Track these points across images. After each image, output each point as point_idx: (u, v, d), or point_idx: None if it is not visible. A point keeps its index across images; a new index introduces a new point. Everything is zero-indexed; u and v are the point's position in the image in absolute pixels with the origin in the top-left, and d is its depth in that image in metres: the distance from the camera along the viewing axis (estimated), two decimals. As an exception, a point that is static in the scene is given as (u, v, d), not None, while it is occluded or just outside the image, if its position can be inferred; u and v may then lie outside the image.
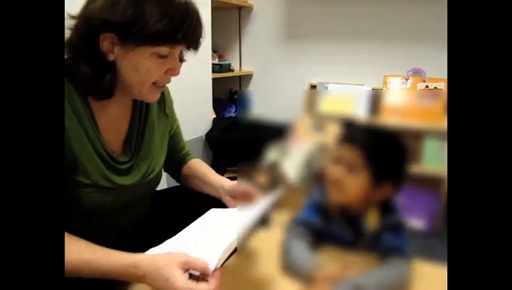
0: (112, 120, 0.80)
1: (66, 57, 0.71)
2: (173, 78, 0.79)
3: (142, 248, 0.67)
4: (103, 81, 0.71)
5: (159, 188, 0.96)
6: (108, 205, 0.78)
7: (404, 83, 2.23)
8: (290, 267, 0.74)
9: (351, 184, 0.72)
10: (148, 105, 0.87)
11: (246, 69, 2.75)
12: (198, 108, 2.09)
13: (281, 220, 0.82)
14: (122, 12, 0.66)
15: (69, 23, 0.71)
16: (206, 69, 2.15)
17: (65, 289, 0.51)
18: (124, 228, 0.87)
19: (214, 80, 2.21)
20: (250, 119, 1.19)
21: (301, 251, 0.75)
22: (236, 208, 0.85)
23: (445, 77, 2.06)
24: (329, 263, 0.71)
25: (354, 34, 2.39)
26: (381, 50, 2.33)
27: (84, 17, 0.69)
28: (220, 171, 0.77)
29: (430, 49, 2.15)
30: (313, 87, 2.45)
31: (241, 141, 0.88)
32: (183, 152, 1.04)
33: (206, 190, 0.96)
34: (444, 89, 2.12)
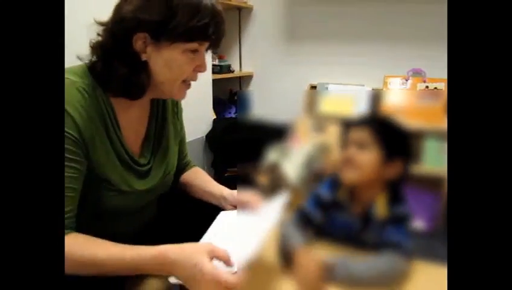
0: (132, 121, 0.82)
1: (93, 59, 0.74)
2: None
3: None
4: (139, 80, 0.74)
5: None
6: (125, 207, 0.80)
7: (404, 84, 2.23)
8: (279, 246, 0.75)
9: (363, 160, 0.75)
10: (164, 108, 0.90)
11: (246, 70, 2.75)
12: (198, 109, 2.09)
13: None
14: (158, 11, 0.69)
15: (97, 28, 0.74)
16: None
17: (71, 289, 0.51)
18: (136, 229, 0.88)
19: (214, 80, 2.21)
20: (251, 120, 1.19)
21: (294, 233, 0.76)
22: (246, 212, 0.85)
23: (445, 77, 2.06)
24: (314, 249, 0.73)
25: (354, 35, 2.39)
26: (381, 50, 2.33)
27: (118, 19, 0.72)
28: (221, 171, 0.77)
29: (430, 50, 2.16)
30: (313, 87, 2.46)
31: (241, 141, 0.88)
32: (185, 160, 1.05)
33: (207, 197, 0.97)
34: (444, 89, 2.12)
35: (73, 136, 0.67)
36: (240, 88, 2.79)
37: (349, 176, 0.77)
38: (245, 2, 2.56)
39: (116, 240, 0.68)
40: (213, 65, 2.27)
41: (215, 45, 0.78)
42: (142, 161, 0.83)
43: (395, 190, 0.77)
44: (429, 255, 0.74)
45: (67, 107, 0.67)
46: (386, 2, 2.28)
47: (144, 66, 0.74)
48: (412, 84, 2.21)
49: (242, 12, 2.66)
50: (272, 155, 1.02)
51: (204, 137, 2.16)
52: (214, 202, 0.95)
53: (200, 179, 1.02)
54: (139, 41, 0.72)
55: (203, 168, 1.31)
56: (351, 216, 0.79)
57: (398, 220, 0.75)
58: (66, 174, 0.66)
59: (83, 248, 0.65)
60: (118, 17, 0.72)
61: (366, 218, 0.77)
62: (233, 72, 2.59)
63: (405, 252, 0.72)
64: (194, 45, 0.73)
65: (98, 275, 0.65)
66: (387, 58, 2.31)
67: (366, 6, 2.33)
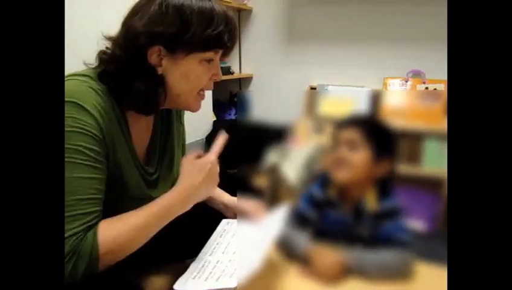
0: (140, 129, 0.80)
1: (107, 68, 0.71)
2: None
3: (160, 254, 0.70)
4: (156, 95, 0.73)
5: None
6: None
7: (404, 85, 2.23)
8: (288, 252, 0.76)
9: (354, 160, 0.76)
10: (169, 116, 0.88)
11: (246, 71, 2.75)
12: (198, 111, 2.09)
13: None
14: (172, 23, 0.68)
15: (105, 42, 0.73)
16: (206, 71, 2.14)
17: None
18: None
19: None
20: (250, 122, 1.19)
21: (299, 237, 0.77)
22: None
23: (445, 78, 2.06)
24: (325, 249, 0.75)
25: (353, 36, 2.40)
26: (381, 52, 2.33)
27: (131, 34, 0.70)
28: (220, 173, 0.77)
29: (429, 51, 2.16)
30: (313, 89, 2.46)
31: (241, 143, 0.88)
32: None
33: (206, 202, 0.96)
34: (443, 90, 2.12)
35: (98, 136, 0.65)
36: (240, 90, 2.80)
37: (341, 175, 0.78)
38: (244, 4, 2.56)
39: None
40: (213, 67, 2.27)
41: (228, 52, 0.78)
42: (150, 169, 0.82)
43: (383, 186, 0.79)
44: (429, 256, 0.74)
45: (87, 106, 0.65)
46: (386, 4, 2.28)
47: (161, 80, 0.73)
48: (411, 85, 2.21)
49: (242, 14, 2.67)
50: (272, 157, 1.02)
51: (204, 139, 2.16)
52: (215, 207, 0.95)
53: None
54: (153, 54, 0.70)
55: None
56: (343, 212, 0.80)
57: (391, 214, 0.76)
58: (92, 175, 0.64)
59: (118, 225, 0.65)
60: (131, 32, 0.70)
61: (358, 213, 0.79)
62: (233, 73, 2.59)
63: (406, 246, 0.73)
64: (210, 54, 0.73)
65: (146, 239, 0.68)
66: (387, 60, 2.31)
67: (365, 8, 2.33)
